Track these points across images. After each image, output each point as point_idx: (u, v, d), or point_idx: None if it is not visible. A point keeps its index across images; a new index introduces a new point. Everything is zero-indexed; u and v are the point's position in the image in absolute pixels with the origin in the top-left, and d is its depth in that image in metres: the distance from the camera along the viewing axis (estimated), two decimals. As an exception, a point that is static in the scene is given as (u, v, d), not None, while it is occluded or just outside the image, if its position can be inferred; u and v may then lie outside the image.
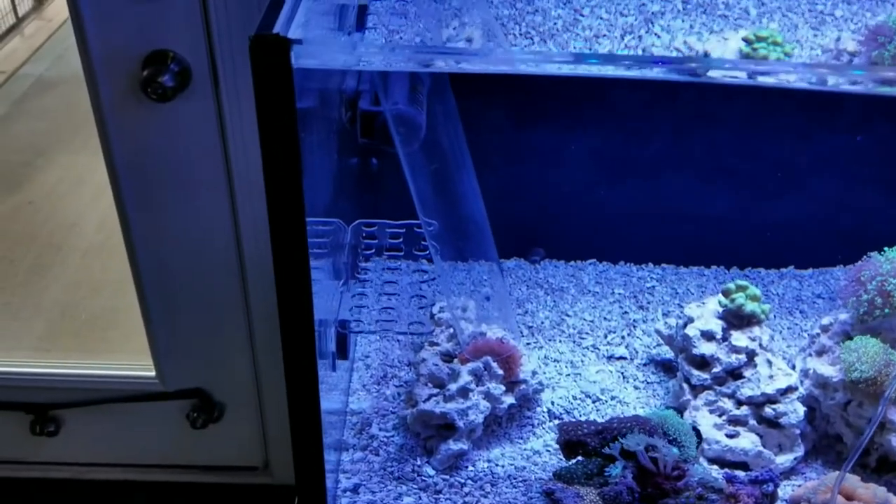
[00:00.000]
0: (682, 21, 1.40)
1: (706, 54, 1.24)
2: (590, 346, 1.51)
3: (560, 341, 1.52)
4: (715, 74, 1.00)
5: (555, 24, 1.38)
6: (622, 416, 1.23)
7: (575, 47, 1.33)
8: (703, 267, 1.71)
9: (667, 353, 1.45)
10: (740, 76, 1.02)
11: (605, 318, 1.58)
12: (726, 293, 1.31)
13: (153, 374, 1.61)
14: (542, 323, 1.56)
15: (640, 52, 1.34)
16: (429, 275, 1.42)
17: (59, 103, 2.90)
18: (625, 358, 1.48)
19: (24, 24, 3.40)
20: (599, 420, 1.20)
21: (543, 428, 1.34)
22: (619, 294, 1.64)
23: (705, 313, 1.32)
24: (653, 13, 1.45)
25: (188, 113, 1.32)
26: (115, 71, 1.27)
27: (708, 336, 1.30)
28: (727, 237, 1.66)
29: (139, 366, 1.64)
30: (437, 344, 1.35)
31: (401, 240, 1.45)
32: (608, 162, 1.61)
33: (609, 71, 0.99)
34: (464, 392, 1.25)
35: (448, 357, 1.33)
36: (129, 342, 1.81)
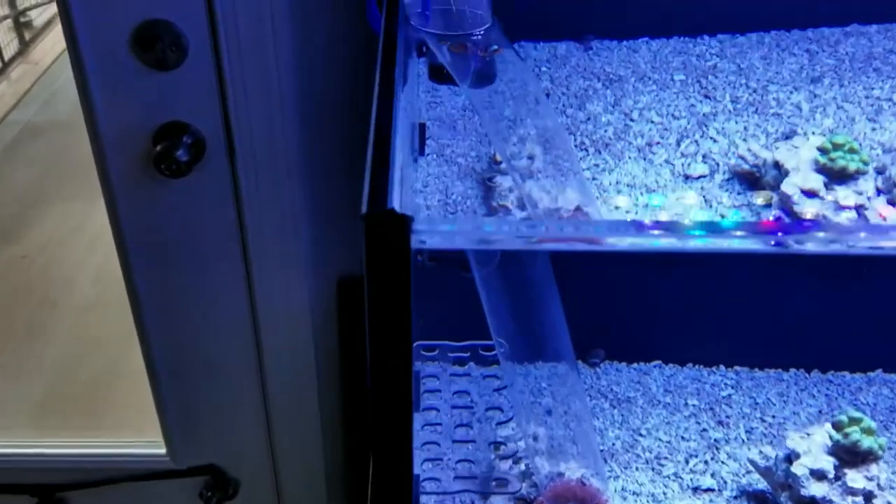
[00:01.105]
0: (736, 123, 1.32)
1: (777, 164, 1.14)
2: (671, 475, 1.37)
3: (637, 468, 1.37)
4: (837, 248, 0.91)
5: (605, 131, 1.30)
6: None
7: (629, 157, 1.25)
8: (780, 370, 1.58)
9: (758, 482, 1.32)
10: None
11: (682, 438, 1.44)
12: (838, 427, 1.19)
13: (164, 451, 1.58)
14: (614, 444, 1.42)
15: (699, 159, 1.25)
16: (504, 414, 1.29)
17: (50, 149, 2.79)
18: (713, 490, 1.33)
19: (11, 69, 3.27)
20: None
21: (634, 582, 1.20)
22: (694, 406, 1.51)
23: (812, 447, 1.20)
24: (704, 115, 1.36)
25: (202, 185, 1.29)
26: (126, 145, 1.24)
27: (818, 475, 1.18)
28: (806, 336, 1.53)
29: (149, 443, 1.59)
30: (508, 212, 1.15)
31: (467, 366, 1.33)
32: (669, 255, 1.48)
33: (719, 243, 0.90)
34: None
35: (523, 502, 1.20)
36: (131, 402, 1.77)
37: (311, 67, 1.30)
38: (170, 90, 1.20)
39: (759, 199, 1.14)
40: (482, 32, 1.04)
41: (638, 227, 0.80)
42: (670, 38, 1.60)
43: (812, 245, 0.87)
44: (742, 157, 1.21)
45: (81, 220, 2.43)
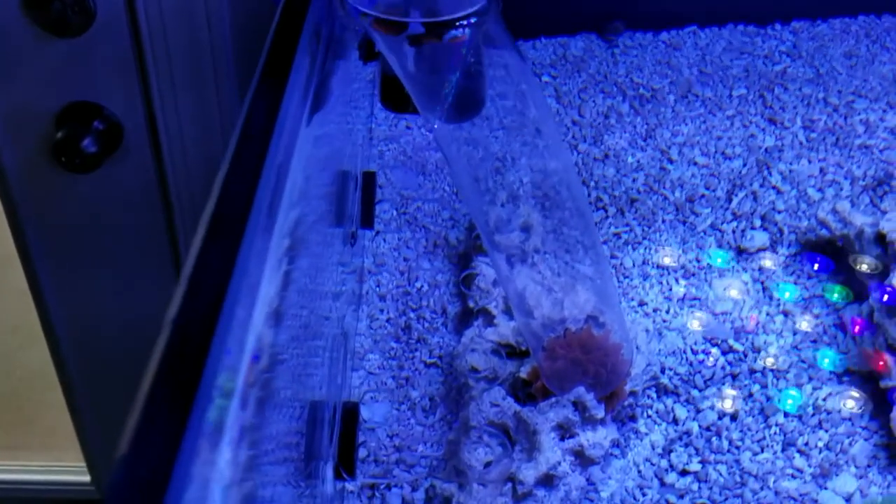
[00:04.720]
0: (808, 162, 1.03)
1: (881, 238, 0.86)
2: (706, 229, 0.99)
3: (663, 221, 1.00)
4: None
5: (633, 180, 1.00)
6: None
7: (663, 220, 0.95)
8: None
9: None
10: None
11: (723, 154, 1.07)
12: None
13: (87, 479, 1.42)
14: (635, 180, 1.04)
15: (757, 221, 0.95)
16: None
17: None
18: (763, 250, 0.96)
19: None
20: None
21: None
22: (740, 98, 1.18)
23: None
24: (766, 151, 1.05)
25: (118, 182, 1.10)
26: (24, 129, 1.06)
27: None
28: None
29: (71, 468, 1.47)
30: (492, 319, 0.84)
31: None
32: None
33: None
34: (548, 478, 0.74)
35: (510, 349, 0.83)
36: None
37: (257, 27, 1.10)
38: (75, 62, 1.01)
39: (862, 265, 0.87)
40: (470, 21, 0.62)
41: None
42: (725, 25, 1.28)
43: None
44: (824, 225, 0.92)
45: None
